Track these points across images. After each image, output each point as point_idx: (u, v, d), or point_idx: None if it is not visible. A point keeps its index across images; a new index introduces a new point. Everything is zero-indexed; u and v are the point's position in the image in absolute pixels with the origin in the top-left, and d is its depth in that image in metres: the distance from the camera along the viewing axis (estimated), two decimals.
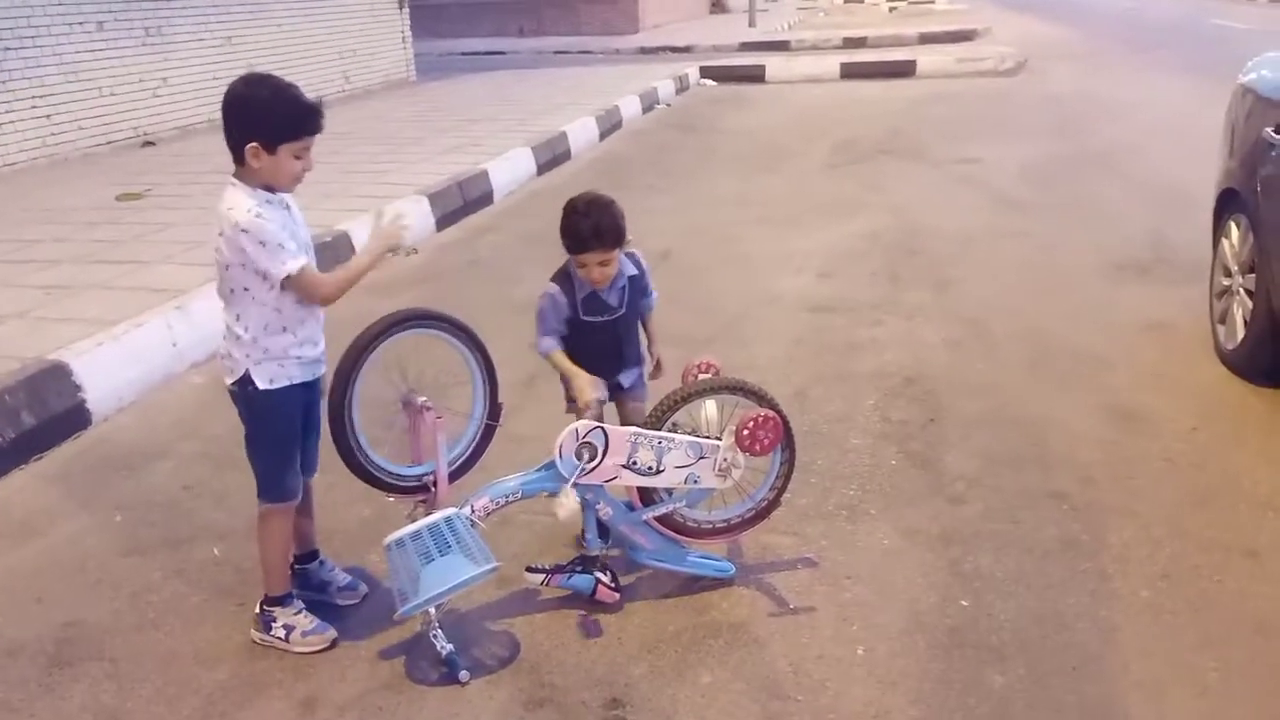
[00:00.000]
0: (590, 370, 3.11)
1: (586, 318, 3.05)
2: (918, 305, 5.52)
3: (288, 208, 2.72)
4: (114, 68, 10.08)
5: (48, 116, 9.32)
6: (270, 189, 2.66)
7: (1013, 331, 5.07)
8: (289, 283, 2.63)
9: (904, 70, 15.95)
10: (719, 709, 2.60)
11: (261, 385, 2.71)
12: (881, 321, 5.30)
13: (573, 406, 3.17)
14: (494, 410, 3.06)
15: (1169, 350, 4.76)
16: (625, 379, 3.20)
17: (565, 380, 3.17)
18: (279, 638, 2.90)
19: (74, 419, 4.25)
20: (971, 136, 10.43)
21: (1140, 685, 2.62)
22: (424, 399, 2.93)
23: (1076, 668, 2.69)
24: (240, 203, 2.60)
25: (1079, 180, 8.35)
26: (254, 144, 2.58)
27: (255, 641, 2.92)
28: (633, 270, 3.11)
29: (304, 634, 2.88)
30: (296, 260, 2.61)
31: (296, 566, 3.08)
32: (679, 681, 2.70)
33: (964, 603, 2.98)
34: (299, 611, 2.92)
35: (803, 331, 5.23)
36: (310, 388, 2.79)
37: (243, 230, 2.58)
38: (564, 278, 3.06)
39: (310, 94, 2.66)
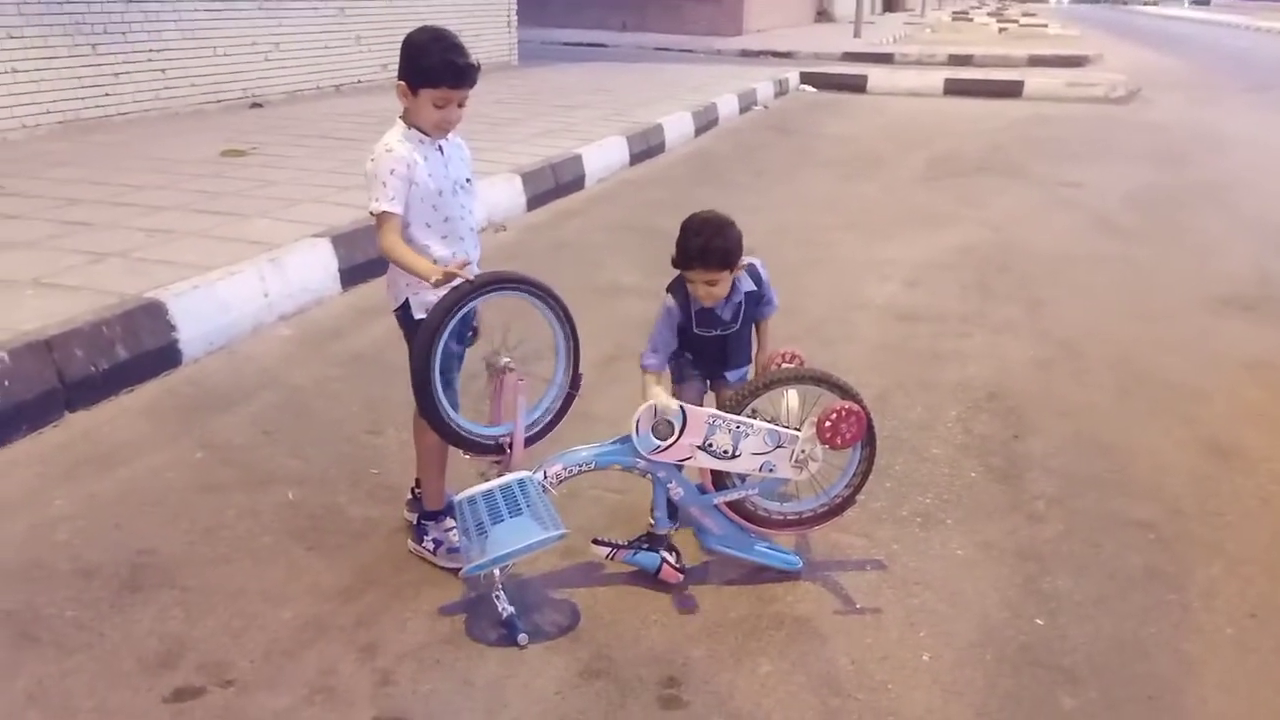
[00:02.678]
0: (695, 369, 3.10)
1: (698, 331, 3.02)
2: (1007, 321, 5.39)
3: (440, 150, 2.90)
4: (229, 29, 10.33)
5: (163, 71, 9.59)
6: (424, 132, 2.86)
7: (1105, 356, 4.92)
8: (377, 218, 2.82)
9: (1011, 90, 15.61)
10: (776, 699, 2.56)
11: (417, 315, 2.89)
12: (969, 334, 5.19)
13: (675, 387, 3.12)
14: (575, 380, 3.05)
15: (1271, 389, 4.57)
16: (730, 376, 3.16)
17: (670, 365, 3.14)
18: (428, 550, 3.09)
19: (165, 357, 4.35)
20: (1075, 160, 10.18)
21: (1217, 719, 2.52)
22: (507, 360, 2.93)
23: (1153, 697, 2.60)
24: (386, 136, 2.86)
25: (1184, 210, 8.10)
26: (401, 82, 2.82)
27: (410, 551, 3.12)
28: (750, 286, 3.02)
29: (449, 551, 3.03)
30: (383, 204, 2.80)
31: (422, 520, 3.15)
32: (737, 668, 2.67)
33: (1039, 621, 2.89)
34: (450, 529, 3.04)
35: (887, 338, 5.14)
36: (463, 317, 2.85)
37: (370, 159, 2.83)
38: (679, 288, 2.98)
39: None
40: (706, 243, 2.86)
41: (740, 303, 3.01)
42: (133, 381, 4.18)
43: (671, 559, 2.98)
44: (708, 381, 3.13)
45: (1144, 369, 4.77)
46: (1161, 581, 3.10)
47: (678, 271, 2.95)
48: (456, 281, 2.71)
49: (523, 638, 2.71)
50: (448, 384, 2.91)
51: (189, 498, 3.43)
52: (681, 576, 2.98)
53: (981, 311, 5.55)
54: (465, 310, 2.74)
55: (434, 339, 2.68)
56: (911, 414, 4.23)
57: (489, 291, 2.78)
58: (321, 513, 3.36)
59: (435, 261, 2.83)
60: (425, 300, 2.85)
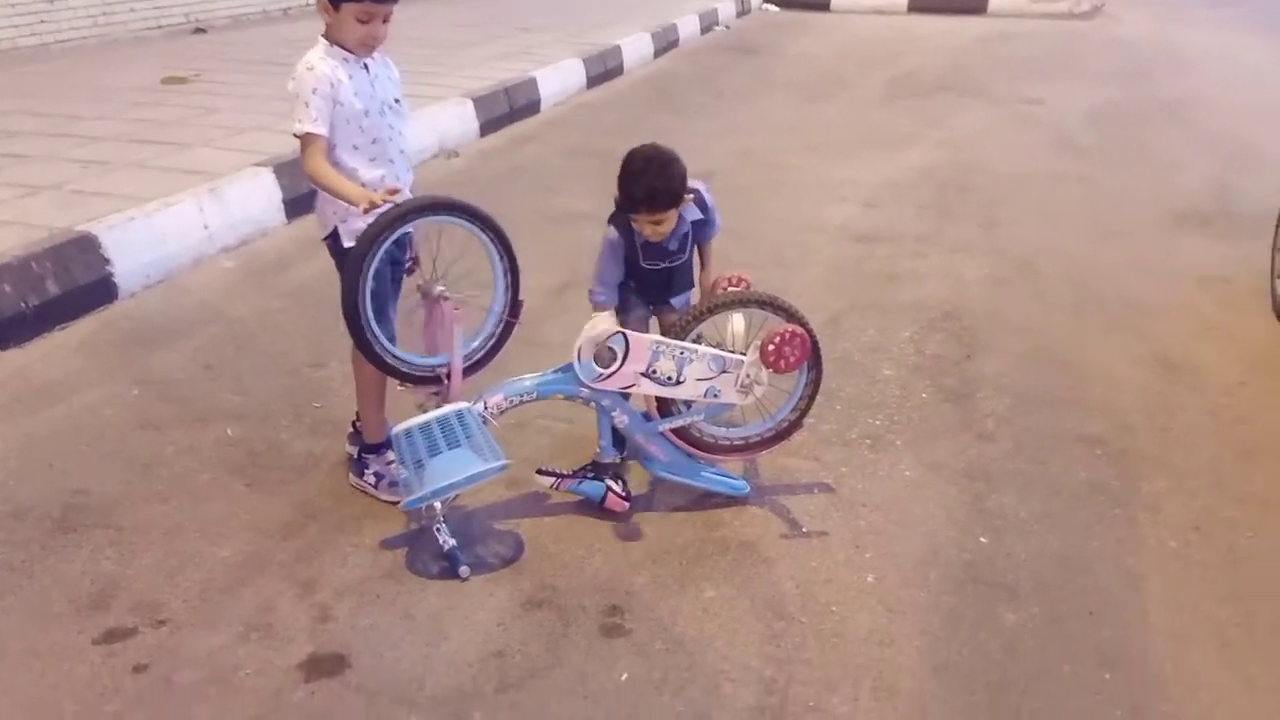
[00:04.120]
0: (638, 298, 3.03)
1: (645, 264, 2.93)
2: (964, 241, 5.34)
3: (366, 69, 2.79)
4: None
5: None
6: (349, 49, 2.75)
7: (1061, 274, 4.89)
8: (300, 140, 2.72)
9: (975, 7, 15.36)
10: (719, 624, 2.54)
11: (346, 243, 2.79)
12: (925, 254, 5.14)
13: (619, 317, 3.05)
14: (514, 307, 2.97)
15: (1224, 304, 4.57)
16: (674, 302, 3.09)
17: None
18: (369, 484, 3.05)
19: (100, 292, 4.23)
20: (1038, 77, 10.06)
21: (1160, 633, 2.53)
22: (441, 288, 2.85)
23: (1094, 612, 2.60)
24: (309, 54, 2.74)
25: (1145, 127, 8.03)
26: None
27: (351, 486, 3.07)
28: (696, 215, 2.93)
29: (390, 484, 2.98)
30: (306, 125, 2.69)
31: (363, 454, 3.09)
32: (681, 594, 2.65)
33: (983, 539, 2.89)
34: (390, 462, 2.98)
35: (843, 259, 5.08)
36: (394, 243, 2.76)
37: (292, 78, 2.72)
38: (622, 219, 2.88)
39: None
40: (650, 185, 2.76)
41: (687, 232, 2.93)
42: (67, 317, 4.07)
43: (617, 487, 2.94)
44: (650, 307, 3.07)
45: (1100, 287, 4.75)
46: (1106, 496, 3.10)
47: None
48: (386, 207, 2.62)
49: (464, 570, 2.68)
50: (381, 314, 2.83)
51: (126, 435, 3.35)
52: (627, 505, 2.95)
53: (939, 231, 5.50)
54: (395, 237, 2.65)
55: (361, 267, 2.59)
56: (864, 336, 4.19)
57: (418, 217, 2.68)
58: (262, 448, 3.30)
59: (363, 186, 2.73)
60: (354, 228, 2.75)
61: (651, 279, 3.00)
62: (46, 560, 2.72)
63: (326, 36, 2.77)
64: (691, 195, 2.87)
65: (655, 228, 2.83)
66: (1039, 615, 2.59)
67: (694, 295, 3.09)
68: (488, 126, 7.48)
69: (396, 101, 2.89)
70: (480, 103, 7.46)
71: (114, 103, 6.78)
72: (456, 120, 7.14)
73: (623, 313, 3.04)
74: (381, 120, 2.82)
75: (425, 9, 12.15)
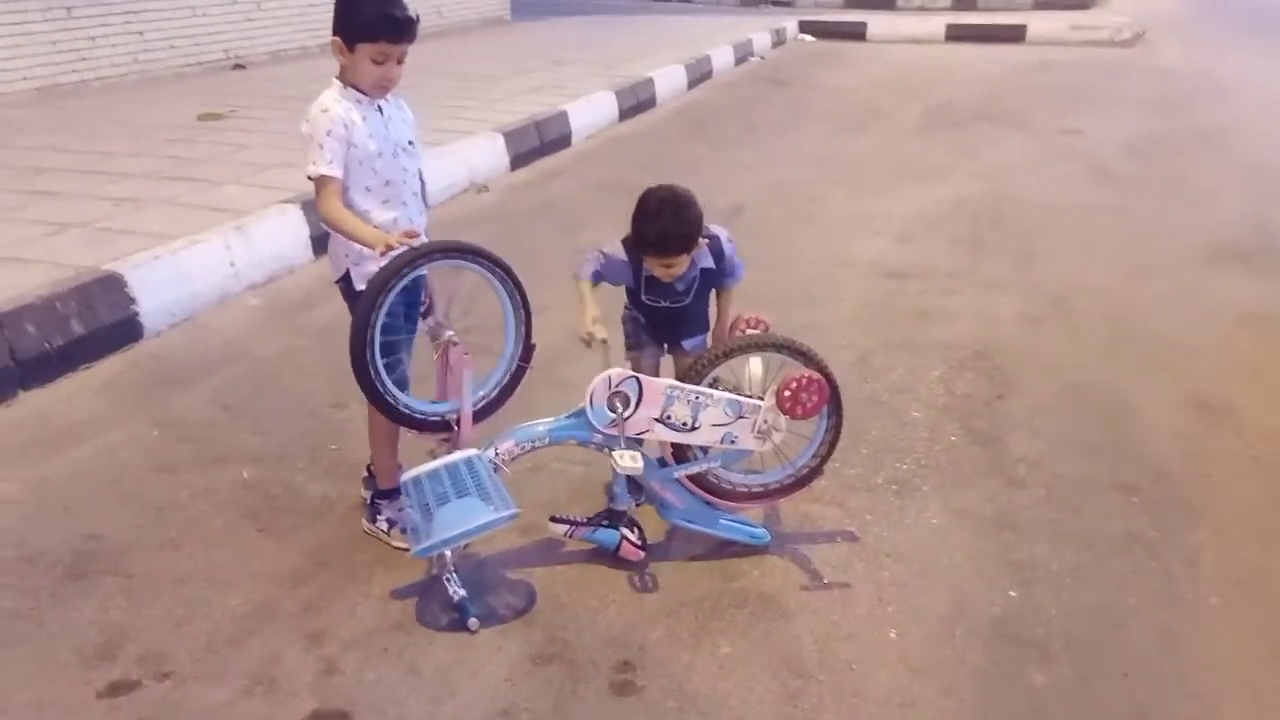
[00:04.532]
0: (648, 335, 2.97)
1: (646, 299, 2.88)
2: (997, 277, 5.24)
3: (380, 110, 2.77)
4: None
5: (140, 34, 9.38)
6: (363, 91, 2.73)
7: (1095, 310, 4.78)
8: (315, 182, 2.71)
9: (1013, 35, 15.25)
10: (734, 682, 2.46)
11: (358, 287, 2.76)
12: (957, 291, 5.04)
13: (629, 352, 3.04)
14: (526, 351, 2.92)
15: (1264, 343, 4.43)
16: (686, 344, 3.03)
17: (624, 324, 3.05)
18: (382, 530, 3.00)
19: (125, 331, 4.24)
20: (1076, 106, 9.94)
21: (1196, 696, 2.42)
22: (451, 333, 2.80)
23: (1128, 673, 2.49)
24: (323, 96, 2.73)
25: (1184, 157, 7.88)
26: (336, 39, 2.69)
27: (364, 531, 3.03)
28: (708, 263, 2.87)
29: (403, 530, 2.91)
30: (321, 168, 2.68)
31: (376, 499, 3.05)
32: (696, 649, 2.57)
33: (1012, 593, 2.78)
34: (404, 508, 2.89)
35: (874, 296, 5.00)
36: (406, 287, 2.72)
37: (306, 120, 2.70)
38: (633, 248, 2.84)
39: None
40: (664, 229, 2.71)
41: (695, 277, 2.87)
42: (91, 357, 4.07)
43: (632, 536, 2.87)
44: (664, 346, 3.01)
45: (1135, 324, 4.62)
46: (1143, 548, 2.98)
47: None
48: (399, 251, 2.59)
49: (473, 622, 2.62)
50: (395, 360, 2.79)
51: (142, 478, 3.33)
52: (642, 554, 2.88)
53: (972, 267, 5.40)
54: (405, 282, 2.61)
55: (370, 314, 2.55)
56: (893, 375, 4.10)
57: (428, 262, 2.64)
58: (277, 491, 3.27)
59: (377, 228, 2.71)
60: (366, 271, 2.72)
61: (655, 316, 2.94)
62: (55, 608, 2.69)
63: (341, 78, 2.76)
64: (707, 241, 2.81)
65: (666, 270, 2.78)
66: (1069, 676, 2.48)
67: (709, 339, 3.03)
68: (518, 160, 7.48)
69: (410, 143, 2.87)
70: (511, 137, 7.47)
71: (148, 139, 6.85)
72: (487, 154, 7.15)
73: (635, 350, 2.99)
74: (395, 162, 2.80)
75: (458, 43, 12.26)
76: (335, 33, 2.70)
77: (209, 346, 4.33)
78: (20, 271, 4.22)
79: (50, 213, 5.09)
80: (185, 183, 5.74)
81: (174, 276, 4.49)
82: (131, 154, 6.43)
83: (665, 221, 2.70)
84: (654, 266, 2.77)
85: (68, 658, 2.51)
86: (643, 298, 2.86)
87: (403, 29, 2.67)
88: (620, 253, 2.85)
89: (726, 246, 2.91)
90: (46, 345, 3.88)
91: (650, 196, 2.77)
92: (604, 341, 2.82)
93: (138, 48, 9.37)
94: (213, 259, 4.72)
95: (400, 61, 2.73)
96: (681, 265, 2.77)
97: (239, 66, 10.43)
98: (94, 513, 3.13)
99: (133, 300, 4.26)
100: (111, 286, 4.21)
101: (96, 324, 4.09)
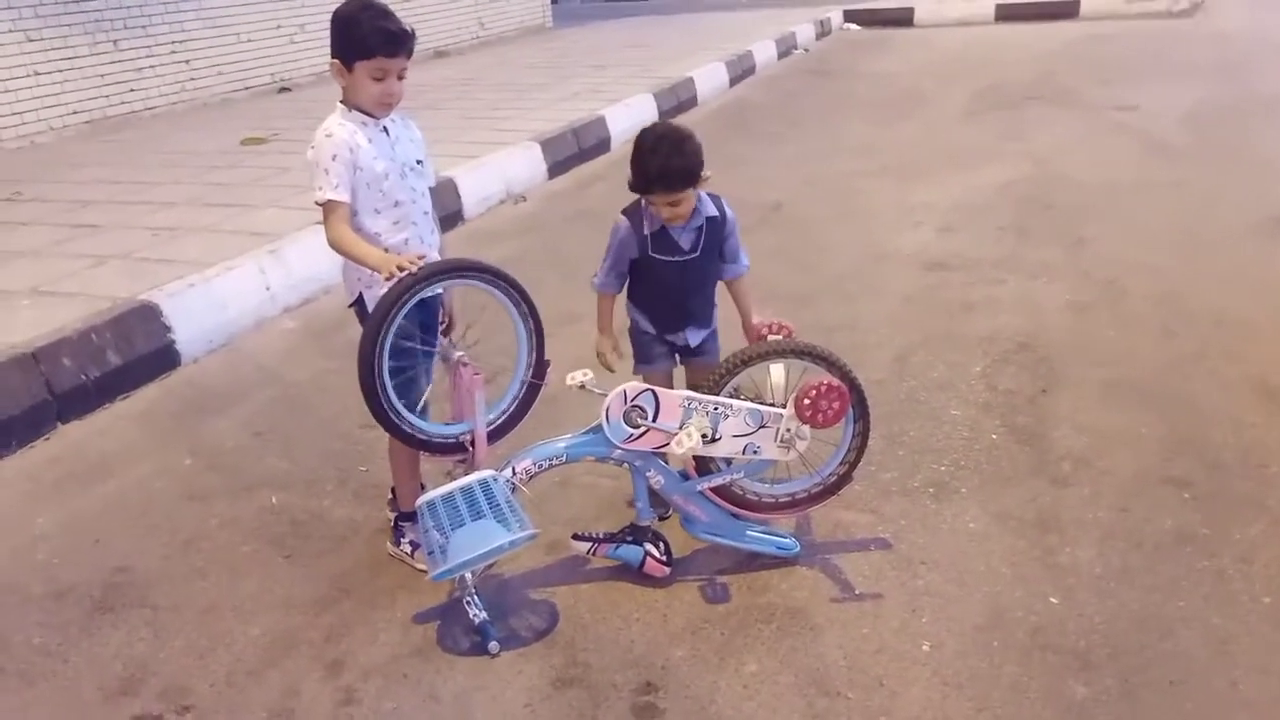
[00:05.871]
0: (653, 321, 2.91)
1: (655, 254, 2.81)
2: (1045, 264, 5.06)
3: (386, 131, 2.74)
4: (251, 14, 10.27)
5: (187, 62, 9.57)
6: (367, 112, 2.70)
7: (1148, 293, 4.59)
8: (322, 208, 2.69)
9: (1066, 12, 14.88)
10: (760, 702, 2.38)
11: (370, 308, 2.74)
12: (1002, 280, 4.89)
13: (639, 367, 2.98)
14: (539, 369, 2.87)
15: None
16: (692, 337, 2.96)
17: (632, 338, 2.99)
18: (405, 552, 2.98)
19: (162, 360, 4.28)
20: (1132, 80, 9.63)
21: (1247, 705, 2.28)
22: (461, 354, 2.76)
23: (1175, 682, 2.36)
24: (326, 122, 2.70)
25: (1243, 127, 7.58)
26: (335, 60, 2.66)
27: (389, 554, 3.02)
28: (712, 211, 2.82)
29: (427, 553, 2.86)
30: (327, 193, 2.66)
31: (399, 522, 3.04)
32: (720, 668, 2.49)
33: (1053, 600, 2.66)
34: (426, 531, 2.87)
35: (913, 289, 4.86)
36: (421, 307, 2.70)
37: (310, 147, 2.69)
38: (635, 210, 2.81)
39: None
40: (665, 162, 2.66)
41: (700, 228, 2.80)
42: (128, 387, 4.12)
43: (656, 551, 2.80)
44: (675, 357, 2.94)
45: (1191, 305, 4.43)
46: (1194, 547, 2.83)
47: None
48: (401, 275, 2.55)
49: (494, 646, 2.57)
50: (411, 382, 2.76)
51: (172, 508, 3.35)
52: (668, 570, 2.81)
53: (1017, 255, 5.23)
54: (409, 307, 2.57)
55: (375, 342, 2.52)
56: (933, 372, 3.97)
57: (434, 282, 2.60)
58: (304, 517, 3.26)
59: (387, 250, 2.68)
60: (378, 295, 2.69)
61: (663, 284, 2.86)
62: (82, 643, 2.70)
63: (344, 101, 2.74)
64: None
65: (673, 209, 2.72)
66: (1113, 687, 2.35)
67: (717, 335, 2.98)
68: (556, 168, 7.45)
69: (419, 163, 2.84)
70: (548, 145, 7.44)
71: (191, 167, 6.96)
72: (524, 165, 7.13)
73: (645, 364, 2.93)
74: (403, 183, 2.77)
75: (498, 54, 12.28)
76: (333, 55, 2.67)
77: (243, 371, 4.36)
78: (58, 305, 4.29)
79: (91, 246, 5.18)
80: (225, 209, 5.81)
81: (209, 303, 4.53)
82: (175, 182, 6.53)
83: (666, 155, 2.66)
84: (660, 209, 2.71)
85: (91, 694, 2.52)
86: (651, 253, 2.78)
87: (399, 42, 2.64)
88: (623, 224, 2.80)
89: (725, 203, 2.86)
90: (83, 377, 3.93)
91: (647, 134, 2.74)
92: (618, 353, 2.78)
93: (185, 76, 9.56)
94: (248, 284, 4.76)
95: (401, 77, 2.70)
96: (688, 204, 2.72)
97: (285, 89, 10.58)
98: (124, 545, 3.15)
99: (169, 329, 4.31)
100: (147, 316, 4.26)
101: (133, 354, 4.14)
